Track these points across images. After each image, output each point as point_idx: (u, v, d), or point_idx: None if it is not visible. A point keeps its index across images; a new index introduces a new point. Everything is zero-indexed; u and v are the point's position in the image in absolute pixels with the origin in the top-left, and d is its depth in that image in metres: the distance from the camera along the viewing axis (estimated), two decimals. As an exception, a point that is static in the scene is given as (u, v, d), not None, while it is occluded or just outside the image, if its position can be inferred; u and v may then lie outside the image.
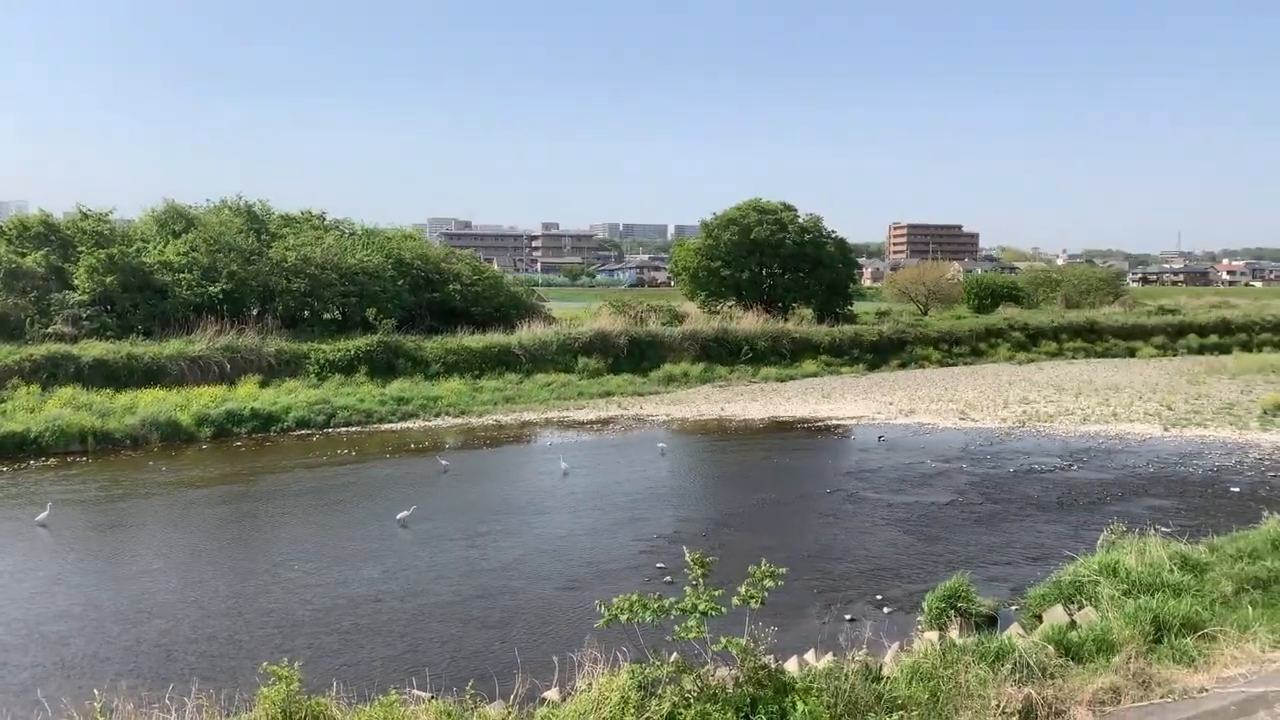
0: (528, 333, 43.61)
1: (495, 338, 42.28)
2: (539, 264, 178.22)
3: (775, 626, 9.02)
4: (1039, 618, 12.16)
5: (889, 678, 8.90)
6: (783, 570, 8.40)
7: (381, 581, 15.31)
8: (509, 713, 8.19)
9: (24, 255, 40.24)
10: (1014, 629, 11.47)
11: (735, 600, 8.10)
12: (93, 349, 33.90)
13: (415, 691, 9.29)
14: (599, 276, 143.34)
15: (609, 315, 49.05)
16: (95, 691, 7.87)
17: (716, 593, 8.04)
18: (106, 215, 44.68)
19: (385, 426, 31.60)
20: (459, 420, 32.92)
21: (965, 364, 52.09)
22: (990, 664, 9.15)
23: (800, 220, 60.16)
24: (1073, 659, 9.69)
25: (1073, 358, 55.82)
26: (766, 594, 8.23)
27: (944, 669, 8.96)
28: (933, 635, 11.07)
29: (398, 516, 18.72)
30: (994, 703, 8.23)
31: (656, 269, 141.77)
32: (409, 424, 32.14)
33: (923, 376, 46.40)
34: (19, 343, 34.81)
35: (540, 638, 12.68)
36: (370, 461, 25.81)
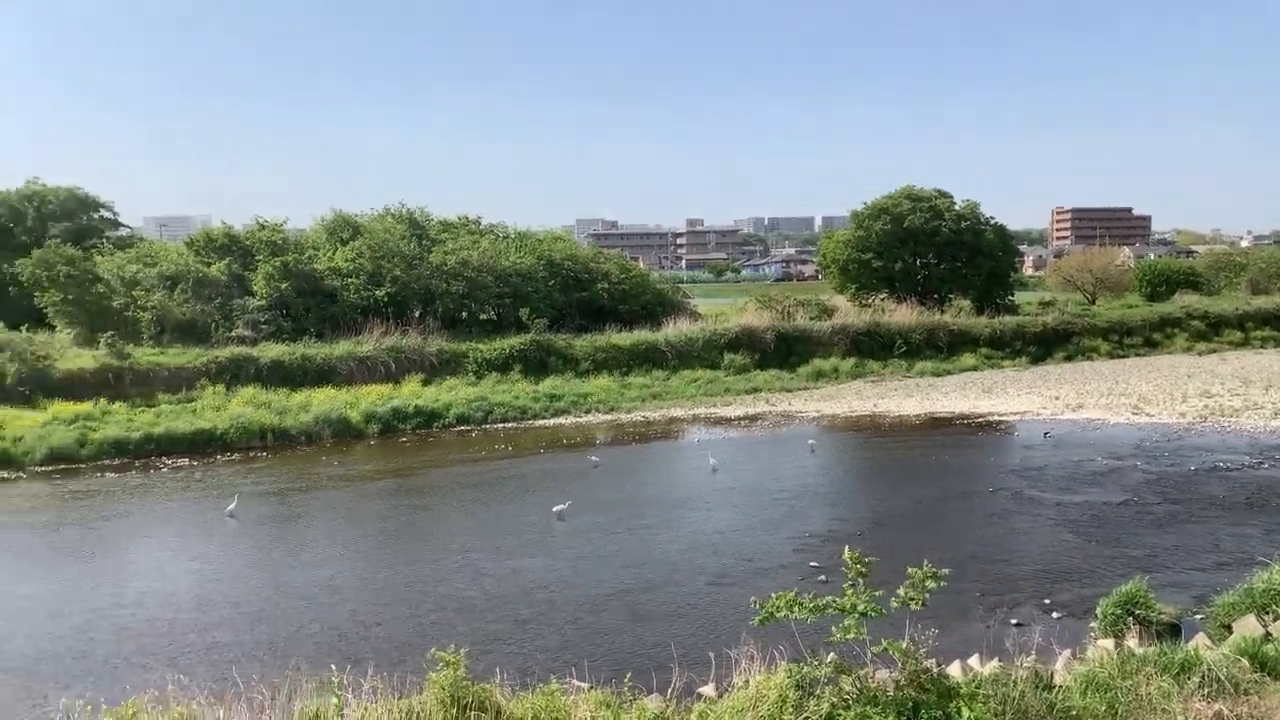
0: (674, 330, 43.84)
1: (642, 335, 42.73)
2: (684, 261, 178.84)
3: (936, 629, 8.72)
4: (1228, 628, 11.28)
5: (1061, 686, 8.46)
6: (945, 571, 8.11)
7: (540, 573, 15.74)
8: (666, 706, 8.26)
9: (209, 265, 43.47)
10: (1200, 639, 10.69)
11: (894, 602, 7.88)
12: (270, 351, 36.31)
13: (574, 681, 9.50)
14: (744, 272, 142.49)
15: (755, 310, 48.67)
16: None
17: (876, 593, 7.85)
18: (281, 225, 47.71)
19: (539, 422, 32.47)
20: (608, 416, 33.45)
21: (1138, 355, 48.95)
22: (1175, 676, 8.55)
23: (956, 207, 57.91)
24: (1269, 674, 8.95)
25: (1260, 348, 51.54)
26: (928, 596, 7.96)
27: (1122, 680, 8.44)
28: (1108, 643, 10.45)
29: (555, 510, 19.18)
30: (1180, 718, 7.70)
31: (803, 262, 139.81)
32: (561, 420, 32.90)
33: (1091, 369, 43.92)
34: (206, 346, 37.65)
35: (695, 632, 12.74)
36: (526, 456, 26.56)
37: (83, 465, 25.92)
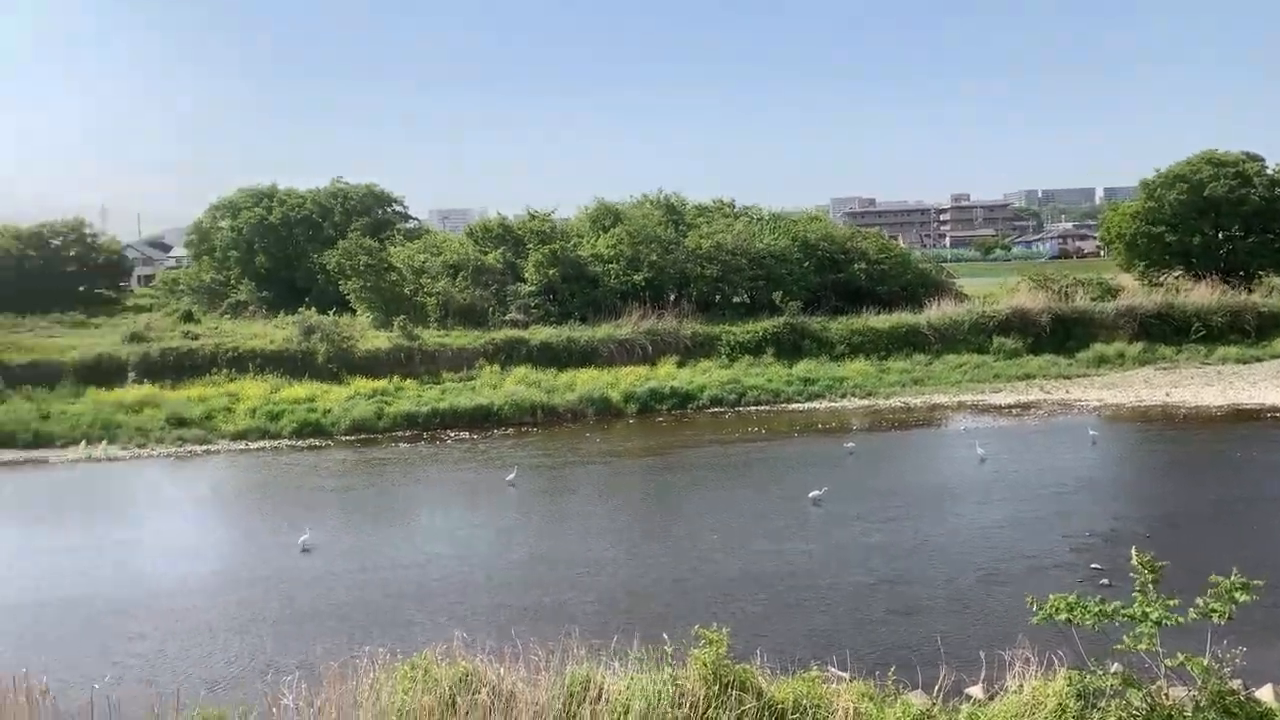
0: (937, 312, 41.95)
1: (902, 317, 41.24)
2: (947, 239, 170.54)
3: (1244, 647, 7.82)
4: None
5: None
6: (1259, 582, 7.23)
7: (799, 558, 15.71)
8: (932, 705, 7.98)
9: (486, 254, 46.76)
10: None
11: (1193, 612, 7.12)
12: (539, 334, 38.56)
13: (833, 670, 9.40)
14: (1015, 249, 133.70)
15: (1028, 291, 45.52)
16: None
17: (1171, 601, 7.14)
18: (549, 215, 50.46)
19: (792, 406, 32.28)
20: (864, 401, 32.67)
21: None
22: None
23: (1269, 171, 51.22)
24: None
25: None
26: (1234, 608, 7.14)
27: None
28: None
29: (810, 495, 19.04)
30: None
31: (1082, 238, 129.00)
32: (815, 404, 32.53)
33: None
34: (483, 329, 40.57)
35: (961, 630, 12.21)
36: (779, 440, 26.53)
37: (379, 435, 28.82)
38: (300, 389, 32.00)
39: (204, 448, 27.54)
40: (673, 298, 44.22)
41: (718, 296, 45.84)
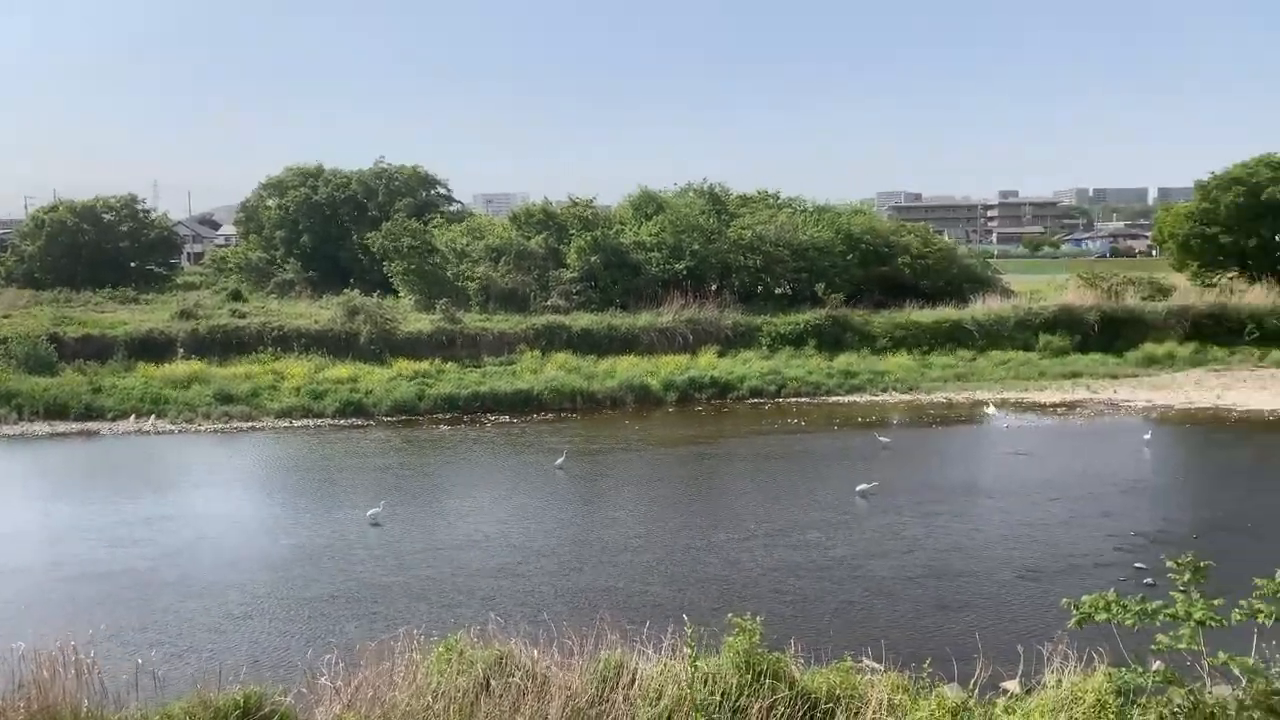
0: (982, 307, 41.41)
1: (946, 312, 40.73)
2: (994, 235, 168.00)
3: (1291, 649, 7.65)
4: None
5: None
6: (1306, 584, 7.09)
7: (836, 549, 15.63)
8: (968, 697, 7.89)
9: (529, 239, 46.94)
10: None
11: (1237, 613, 6.99)
12: (581, 320, 38.67)
13: (868, 661, 9.34)
14: (1064, 246, 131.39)
15: (1077, 288, 44.74)
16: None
17: (1216, 602, 7.02)
18: (591, 202, 50.50)
19: (832, 399, 32.06)
20: (906, 396, 32.35)
21: None
22: None
23: (1329, 174, 49.86)
24: None
25: None
26: (1281, 611, 7.00)
27: None
28: None
29: (858, 489, 18.87)
30: None
31: (1133, 237, 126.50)
32: (855, 397, 32.27)
33: None
34: (525, 314, 40.77)
35: (999, 625, 12.09)
36: (818, 432, 26.38)
37: (420, 417, 29.11)
38: (343, 369, 32.41)
39: (249, 424, 28.01)
40: (714, 287, 44.08)
41: (759, 287, 45.59)
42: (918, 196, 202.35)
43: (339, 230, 57.66)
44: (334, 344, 34.89)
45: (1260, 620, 6.97)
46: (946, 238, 65.29)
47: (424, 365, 33.41)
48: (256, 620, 13.09)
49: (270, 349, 34.33)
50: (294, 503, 19.85)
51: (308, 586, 14.30)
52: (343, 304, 37.52)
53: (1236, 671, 6.80)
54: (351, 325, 35.76)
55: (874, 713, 7.44)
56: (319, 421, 28.32)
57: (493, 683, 7.89)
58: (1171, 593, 7.29)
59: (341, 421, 28.35)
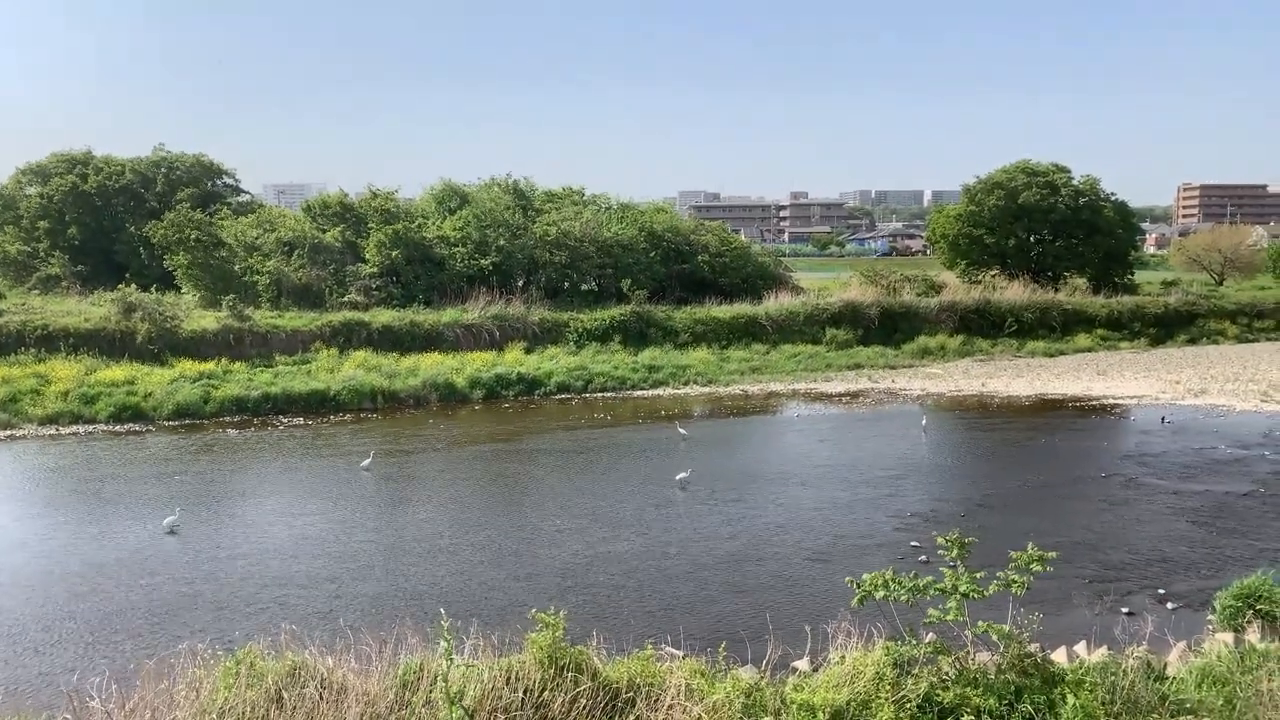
0: (775, 303, 43.40)
1: (742, 308, 42.43)
2: (786, 234, 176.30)
3: (1040, 614, 8.50)
4: (1361, 628, 10.65)
5: (1174, 678, 8.16)
6: (1052, 555, 7.90)
7: (638, 541, 15.94)
8: (761, 677, 8.27)
9: (325, 232, 44.95)
10: (1329, 639, 10.13)
11: (995, 585, 7.71)
12: (381, 316, 37.46)
13: (668, 648, 9.60)
14: (849, 246, 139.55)
15: (859, 285, 47.73)
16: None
17: (977, 575, 7.70)
18: (393, 194, 48.89)
19: (637, 393, 32.68)
20: (706, 389, 33.44)
21: (1269, 340, 46.30)
22: (1299, 675, 8.13)
23: (1075, 182, 55.60)
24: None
25: None
26: (1032, 579, 7.77)
27: (1241, 675, 8.08)
28: (1227, 637, 10.01)
29: (677, 478, 19.45)
30: (1303, 718, 7.33)
31: (910, 237, 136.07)
32: (659, 391, 33.05)
33: (1216, 353, 41.75)
34: (320, 310, 39.05)
35: (790, 607, 12.72)
36: (624, 426, 26.81)
37: (206, 421, 27.32)
38: (118, 371, 29.95)
39: (7, 433, 25.39)
40: (521, 283, 43.90)
41: (566, 284, 45.83)
42: (716, 196, 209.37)
43: (112, 222, 53.05)
44: (107, 344, 32.17)
45: (1014, 591, 7.71)
46: (743, 236, 67.83)
47: (210, 366, 31.40)
48: (18, 642, 11.90)
49: (32, 350, 31.23)
50: (70, 517, 18.11)
51: (82, 601, 13.14)
52: (117, 300, 34.52)
53: (995, 638, 7.49)
54: (128, 323, 33.07)
55: (673, 699, 7.64)
56: (91, 428, 26.05)
57: (285, 695, 7.53)
58: (941, 568, 7.94)
59: (118, 428, 26.19)
